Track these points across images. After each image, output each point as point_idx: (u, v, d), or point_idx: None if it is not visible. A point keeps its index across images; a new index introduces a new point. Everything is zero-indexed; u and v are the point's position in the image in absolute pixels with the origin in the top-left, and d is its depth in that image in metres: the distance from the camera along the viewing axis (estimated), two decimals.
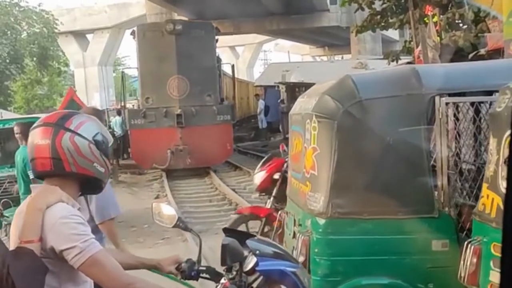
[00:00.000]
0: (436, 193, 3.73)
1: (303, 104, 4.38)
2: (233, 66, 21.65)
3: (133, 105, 23.39)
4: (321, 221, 3.83)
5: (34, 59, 33.71)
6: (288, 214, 4.71)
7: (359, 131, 3.80)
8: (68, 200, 2.11)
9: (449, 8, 12.85)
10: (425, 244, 3.72)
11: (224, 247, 2.43)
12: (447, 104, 3.68)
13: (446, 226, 3.72)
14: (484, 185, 3.11)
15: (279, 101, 26.54)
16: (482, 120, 4.02)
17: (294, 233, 4.30)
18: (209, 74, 17.57)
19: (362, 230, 3.76)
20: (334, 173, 3.74)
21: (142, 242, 8.99)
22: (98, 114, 4.40)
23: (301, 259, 3.88)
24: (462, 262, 3.18)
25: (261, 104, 26.82)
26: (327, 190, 3.77)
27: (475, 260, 3.08)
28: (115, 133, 20.36)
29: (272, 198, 6.64)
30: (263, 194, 7.07)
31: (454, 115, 3.87)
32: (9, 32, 31.52)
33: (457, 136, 4.13)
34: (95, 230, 3.64)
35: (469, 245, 3.14)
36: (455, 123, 3.97)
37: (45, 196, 2.09)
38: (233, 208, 12.24)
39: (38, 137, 2.13)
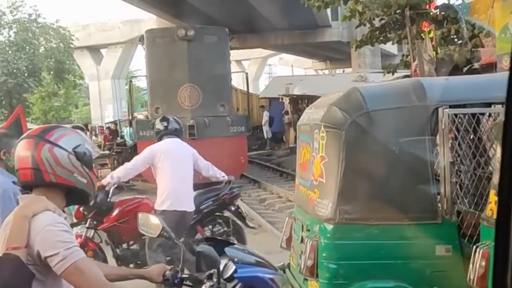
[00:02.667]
0: (439, 200, 3.71)
1: (311, 115, 4.37)
2: (246, 75, 19.44)
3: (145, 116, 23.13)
4: (329, 227, 3.81)
5: (51, 72, 34.04)
6: (296, 220, 4.68)
7: (366, 140, 3.78)
8: (54, 209, 2.10)
9: (444, 24, 12.89)
10: (429, 249, 3.69)
11: (198, 254, 2.43)
12: (450, 115, 3.66)
13: (449, 232, 3.69)
14: (492, 192, 3.08)
15: (283, 112, 26.62)
16: (482, 131, 4.01)
17: (302, 238, 4.27)
18: (223, 83, 15.69)
19: (368, 235, 3.73)
20: (341, 180, 3.72)
21: None
22: None
23: (309, 263, 3.86)
24: (471, 265, 3.14)
25: (266, 115, 26.87)
26: (335, 197, 3.74)
27: (484, 263, 3.04)
28: (126, 142, 20.42)
29: (85, 229, 6.18)
30: (82, 222, 6.41)
31: (456, 126, 3.86)
32: (27, 47, 31.81)
33: (459, 146, 4.11)
34: None
35: (478, 249, 3.11)
36: (457, 134, 3.95)
37: (31, 205, 2.08)
38: None
39: (21, 149, 2.15)
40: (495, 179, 3.04)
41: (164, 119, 6.37)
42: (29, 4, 45.24)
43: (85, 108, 50.85)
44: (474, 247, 3.17)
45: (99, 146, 22.10)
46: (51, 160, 2.12)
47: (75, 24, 41.13)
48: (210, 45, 15.29)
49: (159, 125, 6.27)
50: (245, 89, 19.14)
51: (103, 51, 45.52)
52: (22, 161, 2.14)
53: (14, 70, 30.56)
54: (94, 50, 44.67)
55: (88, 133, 24.74)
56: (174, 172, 6.05)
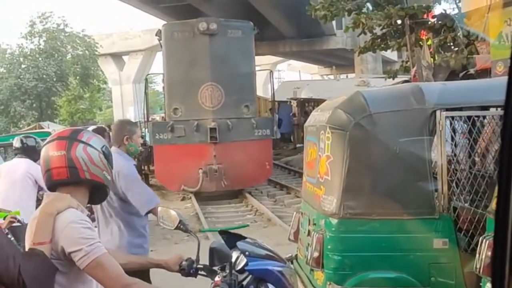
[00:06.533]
0: (436, 196, 3.68)
1: (318, 117, 4.36)
2: (271, 73, 16.70)
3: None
4: (334, 221, 3.80)
5: (77, 77, 34.32)
6: (303, 215, 4.67)
7: (369, 141, 3.77)
8: (77, 206, 2.11)
9: (441, 33, 12.81)
10: (427, 242, 3.67)
11: (211, 250, 2.42)
12: (447, 118, 3.64)
13: (445, 226, 3.66)
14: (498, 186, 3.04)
15: (291, 114, 26.58)
16: (478, 132, 3.98)
17: (309, 231, 4.26)
18: (247, 82, 13.40)
19: (370, 229, 3.71)
20: (345, 178, 3.71)
21: (169, 239, 8.97)
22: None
23: (315, 254, 3.85)
24: (477, 255, 3.09)
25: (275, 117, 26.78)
26: (339, 193, 3.73)
27: (489, 253, 2.98)
28: (146, 142, 20.43)
29: None
30: None
31: (452, 127, 3.84)
32: (56, 54, 32.11)
33: (455, 146, 4.09)
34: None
35: (484, 240, 3.07)
36: (453, 135, 3.93)
37: (56, 202, 2.08)
38: (248, 209, 12.16)
39: (53, 150, 2.14)
40: None
41: (19, 139, 5.83)
42: (57, 14, 45.90)
43: (108, 110, 51.08)
44: (481, 238, 3.14)
45: None
46: (86, 159, 2.14)
47: (99, 33, 41.37)
48: (234, 40, 13.16)
49: (14, 143, 5.77)
50: (259, 93, 17.41)
51: (125, 58, 45.78)
52: (56, 161, 2.13)
53: (44, 76, 30.85)
54: (117, 57, 44.93)
55: (111, 133, 24.84)
56: (3, 191, 5.50)
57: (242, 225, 10.15)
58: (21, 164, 5.55)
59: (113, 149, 3.93)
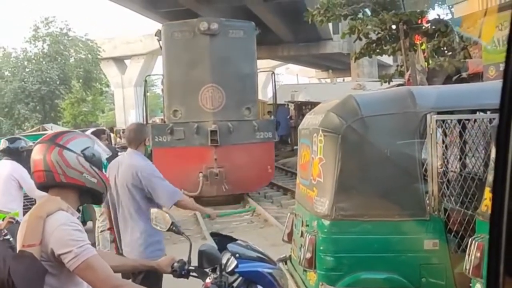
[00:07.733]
0: (427, 198, 3.66)
1: (311, 120, 4.34)
2: (273, 75, 16.06)
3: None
4: (326, 222, 3.77)
5: (80, 81, 34.33)
6: (297, 216, 4.65)
7: (360, 144, 3.74)
8: (67, 208, 2.07)
9: (435, 37, 12.82)
10: (418, 243, 3.64)
11: (200, 252, 2.40)
12: (437, 121, 3.61)
13: (436, 227, 3.64)
14: (487, 189, 3.01)
15: (288, 117, 26.55)
16: (468, 135, 3.96)
17: (302, 232, 4.24)
18: (249, 84, 12.87)
19: (362, 230, 3.69)
20: (338, 180, 3.68)
21: (168, 239, 8.91)
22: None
23: (308, 255, 3.83)
24: (467, 256, 3.06)
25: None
26: (331, 195, 3.71)
27: (478, 254, 2.96)
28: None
29: None
30: None
31: (443, 130, 3.81)
32: (59, 58, 32.13)
33: (446, 149, 4.06)
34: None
35: (473, 242, 3.04)
36: (444, 138, 3.91)
37: (46, 205, 2.05)
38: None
39: (35, 153, 2.14)
40: (490, 177, 2.97)
41: (4, 141, 5.76)
42: (60, 19, 45.89)
43: (111, 113, 51.01)
44: (470, 239, 3.11)
45: (124, 147, 22.04)
46: (60, 162, 2.10)
47: (102, 37, 41.36)
48: (235, 41, 12.61)
49: (0, 146, 5.73)
50: (258, 97, 16.76)
51: (127, 61, 45.68)
52: (36, 164, 2.12)
53: (47, 79, 30.86)
54: (119, 61, 44.84)
55: (113, 135, 24.80)
56: None
57: None
58: (6, 166, 5.52)
59: (130, 151, 3.99)
